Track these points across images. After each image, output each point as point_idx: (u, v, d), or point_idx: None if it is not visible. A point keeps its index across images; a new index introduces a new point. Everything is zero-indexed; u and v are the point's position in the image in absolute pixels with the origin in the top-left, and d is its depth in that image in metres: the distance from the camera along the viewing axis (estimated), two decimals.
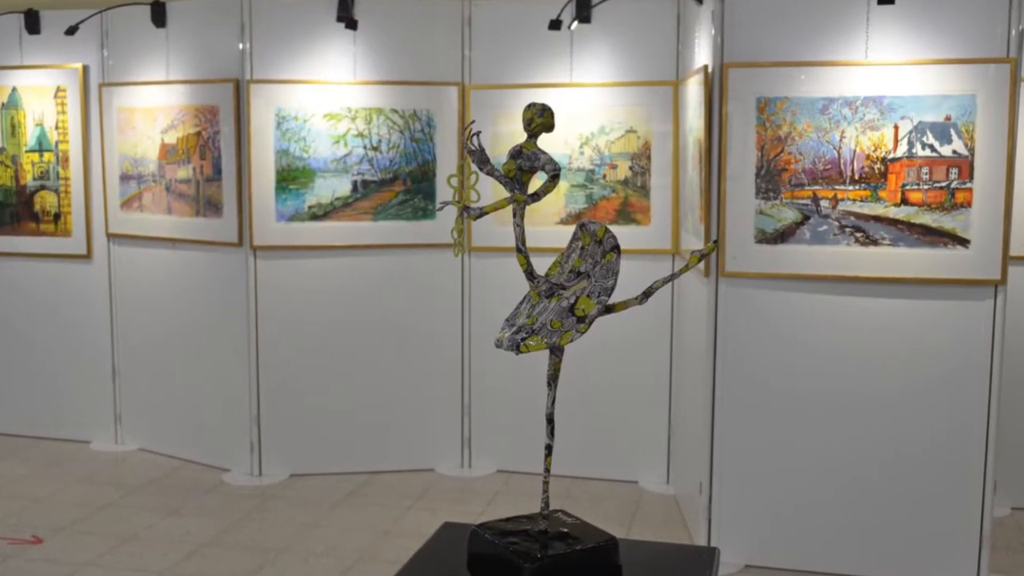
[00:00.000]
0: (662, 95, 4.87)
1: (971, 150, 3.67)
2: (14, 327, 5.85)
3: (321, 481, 5.15)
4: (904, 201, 3.74)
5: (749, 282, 3.97)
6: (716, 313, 4.01)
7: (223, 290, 5.20)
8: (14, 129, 5.68)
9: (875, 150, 3.75)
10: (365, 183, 5.09)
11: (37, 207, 5.69)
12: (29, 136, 5.66)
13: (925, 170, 3.71)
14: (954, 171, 3.69)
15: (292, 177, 5.02)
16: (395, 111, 5.08)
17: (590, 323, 2.11)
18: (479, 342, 5.25)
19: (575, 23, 4.87)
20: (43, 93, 5.61)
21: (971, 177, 3.68)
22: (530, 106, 2.18)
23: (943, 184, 3.71)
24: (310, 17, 5.01)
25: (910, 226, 3.74)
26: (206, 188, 5.15)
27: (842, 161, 3.78)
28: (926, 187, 3.72)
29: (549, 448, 2.23)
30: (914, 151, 3.72)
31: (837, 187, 3.79)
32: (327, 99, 5.01)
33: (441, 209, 2.25)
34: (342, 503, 4.86)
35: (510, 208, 2.18)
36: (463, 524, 2.36)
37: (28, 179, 5.68)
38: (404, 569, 2.19)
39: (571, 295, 2.14)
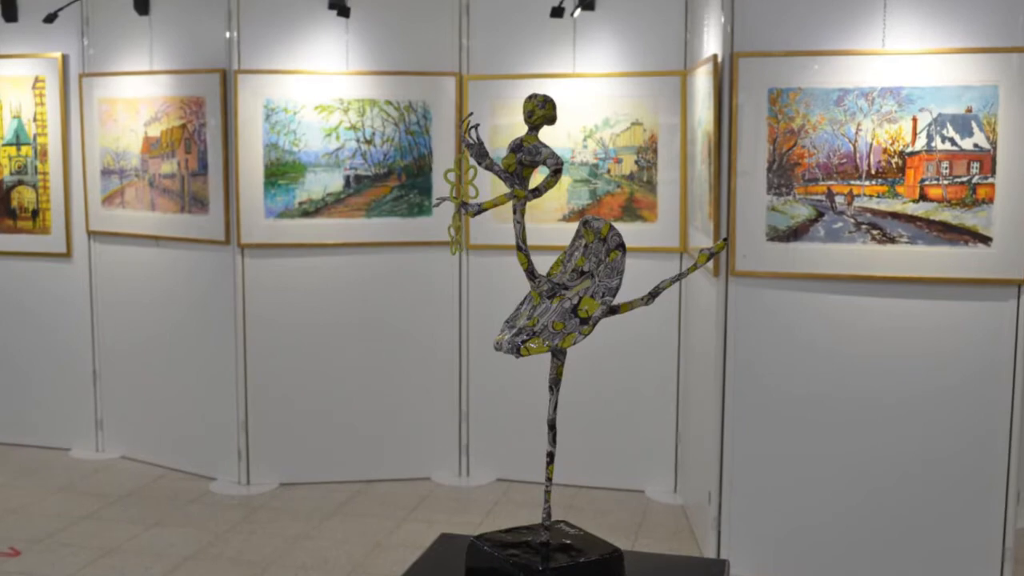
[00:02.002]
0: (669, 86, 4.88)
1: (993, 143, 3.67)
2: None
3: (312, 491, 5.15)
4: (923, 197, 3.74)
5: (760, 282, 3.97)
6: (726, 314, 4.02)
7: (209, 290, 5.21)
8: None
9: (892, 143, 3.75)
10: (358, 178, 5.09)
11: (14, 203, 5.69)
12: (6, 129, 5.66)
13: (945, 164, 3.71)
14: (975, 165, 3.70)
15: (281, 172, 5.03)
16: (389, 103, 5.09)
17: (594, 325, 2.11)
18: (478, 344, 5.25)
19: (578, 10, 4.87)
20: (20, 84, 5.61)
21: (993, 172, 3.68)
22: (531, 97, 2.18)
23: (964, 179, 3.71)
24: (300, 4, 5.01)
25: (929, 223, 3.74)
26: (191, 183, 5.15)
27: (858, 155, 3.79)
28: (946, 182, 3.72)
29: (551, 456, 2.23)
30: (933, 144, 3.72)
31: (853, 182, 3.80)
32: (318, 90, 5.02)
33: (438, 205, 2.26)
34: (334, 514, 4.86)
35: (510, 204, 2.19)
36: (461, 536, 2.36)
37: (5, 174, 5.68)
38: None
39: (574, 295, 2.14)
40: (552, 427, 2.22)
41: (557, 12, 4.81)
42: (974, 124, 3.68)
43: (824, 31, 3.82)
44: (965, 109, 3.68)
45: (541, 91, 2.24)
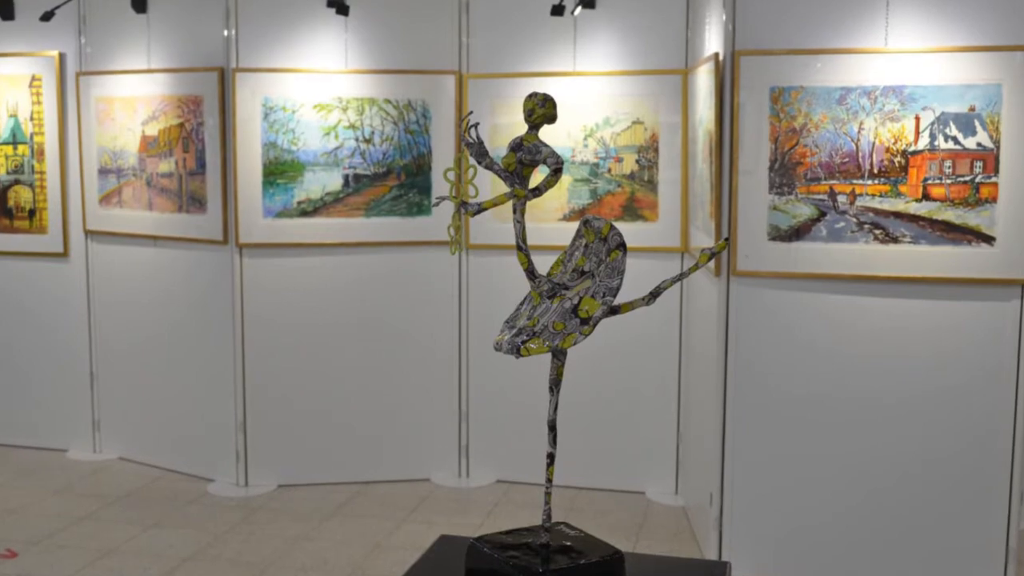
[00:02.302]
0: (670, 84, 4.87)
1: (996, 142, 3.67)
2: None
3: (311, 492, 5.15)
4: (926, 196, 3.74)
5: (762, 282, 3.97)
6: (727, 314, 4.02)
7: (207, 290, 5.20)
8: None
9: (895, 142, 3.75)
10: (357, 177, 5.09)
11: (11, 203, 5.69)
12: (2, 128, 5.66)
13: (948, 163, 3.71)
14: (978, 164, 3.69)
15: (280, 171, 5.02)
16: (389, 101, 5.08)
17: (594, 325, 2.11)
18: (477, 345, 5.25)
19: (579, 8, 4.87)
20: (17, 82, 5.61)
21: (996, 171, 3.68)
22: (531, 96, 2.18)
23: (967, 178, 3.71)
24: (299, 2, 5.01)
25: (932, 223, 3.74)
26: (189, 183, 5.15)
27: (860, 154, 3.79)
28: (949, 181, 3.72)
29: (551, 457, 2.23)
30: (936, 143, 3.72)
31: (855, 181, 3.80)
32: (317, 89, 5.01)
33: (437, 205, 2.25)
34: (333, 515, 4.86)
35: (510, 204, 2.18)
36: (460, 537, 2.36)
37: (1, 173, 5.68)
38: None
39: (574, 295, 2.14)
40: (552, 428, 2.22)
41: (557, 10, 4.80)
42: (977, 123, 3.67)
43: (826, 29, 3.82)
44: (968, 108, 3.68)
45: (541, 90, 2.24)
